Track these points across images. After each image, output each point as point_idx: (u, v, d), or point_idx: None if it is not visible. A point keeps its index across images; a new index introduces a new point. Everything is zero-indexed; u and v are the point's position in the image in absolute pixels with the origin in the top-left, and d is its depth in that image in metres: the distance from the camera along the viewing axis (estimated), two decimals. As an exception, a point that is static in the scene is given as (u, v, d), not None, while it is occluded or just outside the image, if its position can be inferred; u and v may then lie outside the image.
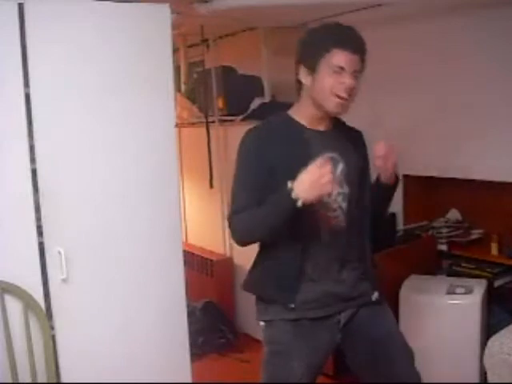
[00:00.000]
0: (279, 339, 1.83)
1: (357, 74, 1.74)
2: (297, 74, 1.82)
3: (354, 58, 1.72)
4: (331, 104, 1.74)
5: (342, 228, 1.82)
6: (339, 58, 1.71)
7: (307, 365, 1.81)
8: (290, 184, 1.65)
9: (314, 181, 1.62)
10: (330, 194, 1.75)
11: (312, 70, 1.75)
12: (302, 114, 1.83)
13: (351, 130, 1.96)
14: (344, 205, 1.82)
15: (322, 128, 1.84)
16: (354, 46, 1.72)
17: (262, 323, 1.88)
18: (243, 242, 1.81)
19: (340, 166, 1.80)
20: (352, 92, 1.74)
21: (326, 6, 3.06)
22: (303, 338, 1.81)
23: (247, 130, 1.87)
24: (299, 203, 1.63)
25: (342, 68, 1.71)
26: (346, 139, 1.88)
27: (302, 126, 1.82)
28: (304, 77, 1.79)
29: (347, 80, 1.71)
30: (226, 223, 1.85)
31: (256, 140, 1.82)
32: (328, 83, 1.72)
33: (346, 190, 1.81)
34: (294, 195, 1.63)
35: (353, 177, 1.84)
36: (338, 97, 1.72)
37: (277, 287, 1.81)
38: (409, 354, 1.88)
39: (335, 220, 1.81)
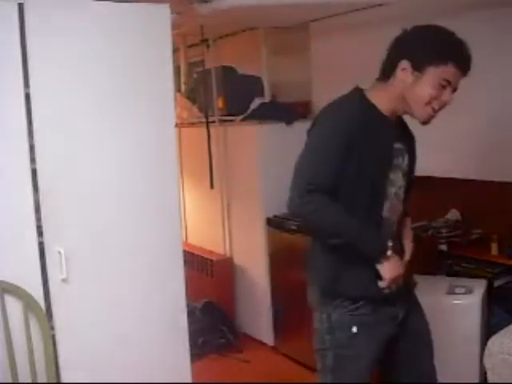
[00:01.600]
0: (347, 343, 1.82)
1: (455, 91, 1.75)
2: (395, 61, 1.76)
3: (462, 76, 1.73)
4: (423, 113, 1.75)
5: (398, 219, 1.91)
6: (452, 74, 1.70)
7: (373, 362, 1.88)
8: (390, 252, 1.75)
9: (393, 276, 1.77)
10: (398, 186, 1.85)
11: (419, 71, 1.71)
12: (384, 102, 1.79)
13: (405, 125, 1.98)
14: (402, 195, 1.89)
15: (394, 118, 1.84)
16: (468, 67, 1.72)
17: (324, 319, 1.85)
18: (307, 223, 1.84)
19: (406, 158, 1.87)
20: (444, 106, 1.76)
21: (326, 6, 3.06)
22: (371, 337, 1.84)
23: (335, 109, 1.80)
24: (378, 265, 1.75)
25: (448, 83, 1.71)
26: (404, 131, 1.93)
27: (384, 117, 1.80)
28: (404, 73, 1.74)
29: (448, 97, 1.72)
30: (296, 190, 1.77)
31: (349, 123, 1.73)
32: (430, 94, 1.71)
33: (405, 182, 1.88)
34: (383, 257, 1.74)
35: (411, 169, 1.92)
36: (433, 109, 1.74)
37: (368, 286, 1.81)
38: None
39: (398, 211, 1.89)
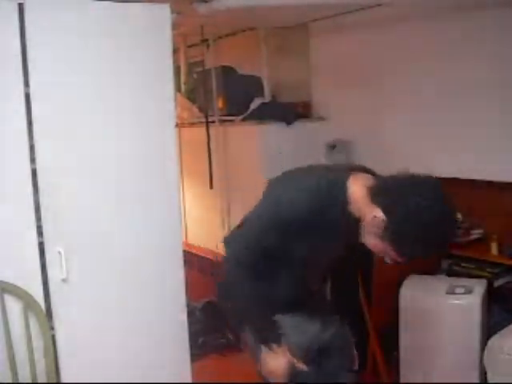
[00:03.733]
0: None
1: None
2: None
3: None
4: (385, 257, 1.67)
5: None
6: (395, 257, 1.63)
7: None
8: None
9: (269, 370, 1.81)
10: None
11: (386, 232, 1.57)
12: (355, 206, 1.63)
13: None
14: None
15: None
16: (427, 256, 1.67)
17: None
18: (226, 284, 1.85)
19: None
20: None
21: (326, 6, 3.06)
22: None
23: (312, 188, 1.65)
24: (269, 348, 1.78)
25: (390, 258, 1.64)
26: None
27: (351, 218, 1.65)
28: (374, 212, 1.58)
29: (389, 261, 1.65)
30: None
31: (310, 215, 1.61)
32: (380, 249, 1.63)
33: None
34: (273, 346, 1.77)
35: None
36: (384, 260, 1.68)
37: None
38: None
39: None
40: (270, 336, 1.79)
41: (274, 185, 1.79)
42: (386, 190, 1.58)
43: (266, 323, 1.78)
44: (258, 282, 1.73)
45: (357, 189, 1.62)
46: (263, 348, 1.79)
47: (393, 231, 1.55)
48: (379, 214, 1.56)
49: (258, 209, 1.78)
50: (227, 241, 1.82)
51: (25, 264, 2.12)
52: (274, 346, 1.78)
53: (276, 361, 1.79)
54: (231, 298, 1.83)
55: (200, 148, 3.84)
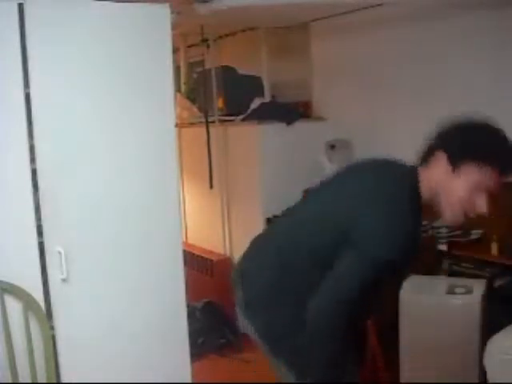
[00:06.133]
0: None
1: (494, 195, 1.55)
2: (431, 148, 1.58)
3: (503, 181, 1.52)
4: (451, 214, 1.56)
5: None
6: (495, 182, 1.50)
7: None
8: None
9: None
10: None
11: (454, 167, 1.50)
12: (425, 189, 1.58)
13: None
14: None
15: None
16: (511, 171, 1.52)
17: None
18: (315, 328, 1.51)
19: None
20: None
21: (326, 6, 3.06)
22: None
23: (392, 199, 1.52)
24: None
25: (486, 188, 1.51)
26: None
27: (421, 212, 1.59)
28: (438, 164, 1.53)
29: (483, 204, 1.52)
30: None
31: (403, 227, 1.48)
32: (465, 198, 1.51)
33: None
34: None
35: None
36: (463, 213, 1.55)
37: None
38: None
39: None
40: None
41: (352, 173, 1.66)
42: (447, 135, 1.55)
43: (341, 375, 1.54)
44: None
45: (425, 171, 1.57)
46: None
47: (477, 148, 1.49)
48: (441, 154, 1.51)
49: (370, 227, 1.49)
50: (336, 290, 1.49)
51: (25, 264, 2.12)
52: None
53: None
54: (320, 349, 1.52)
55: (200, 148, 3.85)
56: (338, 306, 1.47)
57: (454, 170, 1.50)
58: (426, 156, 1.59)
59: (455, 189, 1.51)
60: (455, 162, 1.50)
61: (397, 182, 1.56)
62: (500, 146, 1.50)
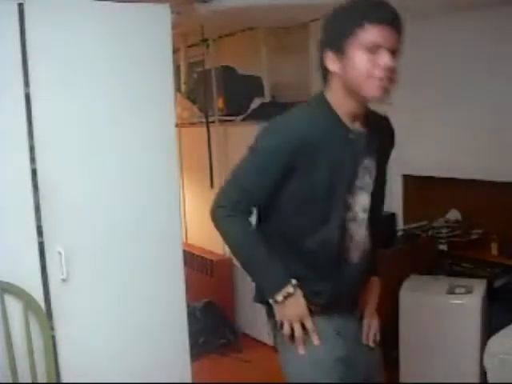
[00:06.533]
0: None
1: (395, 53, 1.50)
2: (322, 60, 1.60)
3: (391, 34, 1.48)
4: (369, 88, 1.48)
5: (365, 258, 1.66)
6: (374, 33, 1.45)
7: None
8: (294, 281, 1.55)
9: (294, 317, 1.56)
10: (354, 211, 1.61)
11: (341, 52, 1.50)
12: (341, 107, 1.57)
13: (381, 119, 1.72)
14: (366, 222, 1.64)
15: (360, 125, 1.60)
16: (391, 19, 1.48)
17: None
18: (220, 233, 1.66)
19: (373, 174, 1.63)
20: (392, 74, 1.49)
21: (326, 6, 3.06)
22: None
23: (289, 115, 1.60)
24: (276, 299, 1.55)
25: (378, 46, 1.46)
26: (379, 135, 1.64)
27: (346, 126, 1.57)
28: (332, 63, 1.55)
29: (386, 60, 1.46)
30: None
31: (298, 138, 1.52)
32: (362, 64, 1.47)
33: (368, 200, 1.63)
34: (280, 294, 1.54)
35: (380, 183, 1.69)
36: (379, 79, 1.47)
37: None
38: None
39: (361, 243, 1.65)
40: (273, 282, 1.57)
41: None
42: (321, 36, 1.65)
43: (268, 267, 1.58)
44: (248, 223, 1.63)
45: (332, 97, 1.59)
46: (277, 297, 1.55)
47: (340, 23, 1.54)
48: (328, 53, 1.58)
49: (252, 150, 1.66)
50: (223, 193, 1.79)
51: (25, 264, 2.12)
52: (290, 288, 1.54)
53: (294, 301, 1.55)
54: (233, 249, 1.65)
55: (200, 148, 3.85)
56: (224, 200, 1.76)
57: (342, 55, 1.52)
58: (323, 74, 1.65)
59: (354, 65, 1.49)
60: (339, 47, 1.52)
61: (304, 108, 1.63)
62: (362, 5, 1.50)
